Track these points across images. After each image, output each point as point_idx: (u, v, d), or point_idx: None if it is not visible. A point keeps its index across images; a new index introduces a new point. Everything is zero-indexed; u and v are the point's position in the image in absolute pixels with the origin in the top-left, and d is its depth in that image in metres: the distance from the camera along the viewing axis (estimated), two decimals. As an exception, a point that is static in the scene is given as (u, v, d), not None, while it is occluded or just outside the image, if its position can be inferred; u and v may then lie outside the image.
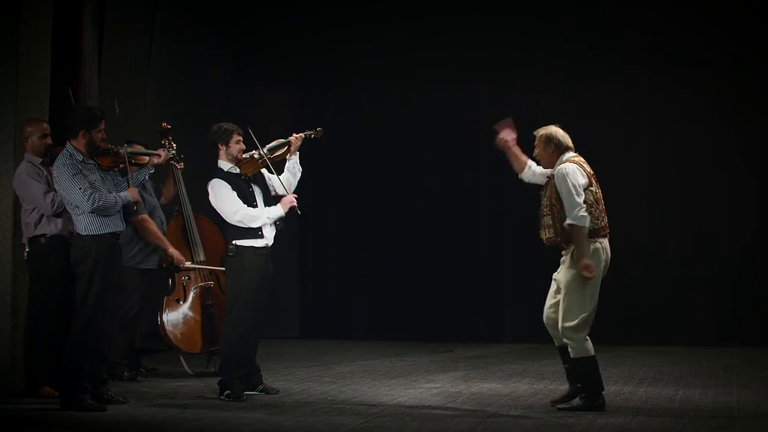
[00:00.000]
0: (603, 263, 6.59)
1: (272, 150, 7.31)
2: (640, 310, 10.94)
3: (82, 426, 6.09)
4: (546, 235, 6.63)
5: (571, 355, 6.51)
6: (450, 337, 11.07)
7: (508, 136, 6.80)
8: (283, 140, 7.35)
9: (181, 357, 8.25)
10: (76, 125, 6.68)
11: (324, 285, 12.22)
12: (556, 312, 6.57)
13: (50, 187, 6.98)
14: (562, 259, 6.64)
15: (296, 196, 7.15)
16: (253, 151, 7.20)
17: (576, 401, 6.47)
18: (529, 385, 7.67)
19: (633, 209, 10.99)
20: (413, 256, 11.58)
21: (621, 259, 10.80)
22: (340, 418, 6.23)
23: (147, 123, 9.27)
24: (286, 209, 7.09)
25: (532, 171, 6.85)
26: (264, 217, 7.05)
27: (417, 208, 11.67)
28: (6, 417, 6.36)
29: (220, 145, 7.15)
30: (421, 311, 11.42)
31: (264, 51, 11.81)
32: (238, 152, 7.14)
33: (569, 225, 6.44)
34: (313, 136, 7.42)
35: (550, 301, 6.71)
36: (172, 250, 7.94)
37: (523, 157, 6.85)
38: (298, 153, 7.36)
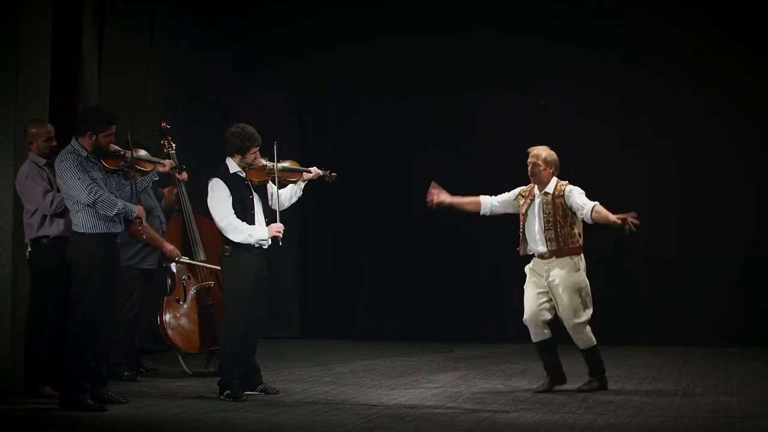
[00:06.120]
0: None
1: (286, 170, 7.26)
2: (640, 310, 10.93)
3: (82, 426, 6.08)
4: (549, 248, 7.22)
5: (582, 347, 7.25)
6: (450, 337, 11.06)
7: (437, 197, 7.40)
8: (301, 168, 7.34)
9: (180, 357, 8.25)
10: (85, 125, 6.61)
11: (324, 285, 12.21)
12: (546, 311, 7.24)
13: (51, 187, 6.98)
14: (550, 265, 7.23)
15: (283, 227, 7.08)
16: (267, 162, 7.14)
17: (592, 384, 7.24)
18: (529, 385, 7.65)
19: (632, 209, 10.92)
20: (413, 256, 11.57)
21: (621, 259, 10.97)
22: (340, 418, 6.23)
23: (147, 122, 9.27)
24: (271, 235, 7.05)
25: (491, 204, 7.48)
26: (246, 234, 6.99)
27: (417, 208, 11.60)
28: (6, 417, 6.36)
29: (235, 153, 7.09)
30: (421, 311, 11.41)
31: (264, 51, 11.81)
32: (253, 161, 7.10)
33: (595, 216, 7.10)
34: (327, 179, 7.46)
35: (538, 300, 7.27)
36: (166, 246, 7.96)
37: (468, 199, 7.47)
38: (305, 182, 7.37)
